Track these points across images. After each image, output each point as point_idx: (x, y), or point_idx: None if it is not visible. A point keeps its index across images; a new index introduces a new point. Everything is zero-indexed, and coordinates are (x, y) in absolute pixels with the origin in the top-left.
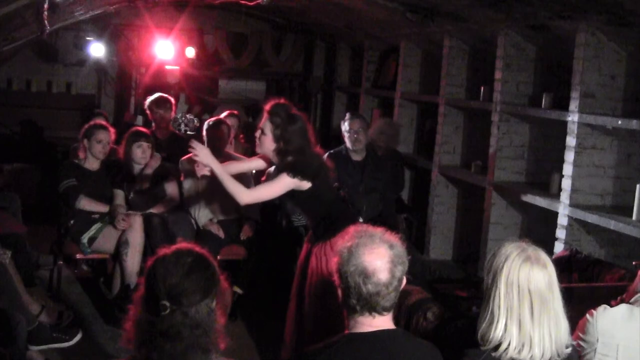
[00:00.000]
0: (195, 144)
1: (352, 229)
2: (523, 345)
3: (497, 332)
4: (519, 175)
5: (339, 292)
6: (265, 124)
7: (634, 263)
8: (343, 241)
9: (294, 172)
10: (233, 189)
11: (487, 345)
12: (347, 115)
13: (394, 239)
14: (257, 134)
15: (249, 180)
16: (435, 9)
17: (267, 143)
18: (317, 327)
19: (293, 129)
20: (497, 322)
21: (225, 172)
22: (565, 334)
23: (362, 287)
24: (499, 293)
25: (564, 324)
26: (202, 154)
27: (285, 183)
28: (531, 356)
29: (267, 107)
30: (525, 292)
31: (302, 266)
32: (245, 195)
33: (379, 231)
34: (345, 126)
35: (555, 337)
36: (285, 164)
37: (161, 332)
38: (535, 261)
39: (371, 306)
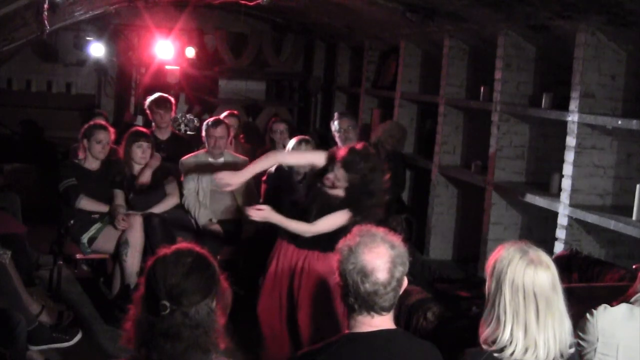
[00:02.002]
0: (254, 210)
1: (355, 228)
2: (527, 349)
3: (503, 337)
4: (519, 175)
5: (339, 290)
6: (341, 174)
7: (633, 266)
8: (345, 240)
9: (356, 211)
10: (297, 228)
11: (491, 348)
12: (336, 115)
13: (396, 239)
14: (332, 177)
15: (250, 181)
16: (435, 9)
17: (342, 186)
18: (317, 332)
19: (371, 178)
20: (504, 327)
21: (287, 220)
22: (569, 334)
23: (360, 286)
24: (504, 298)
25: (567, 323)
26: (267, 214)
27: (346, 218)
28: (535, 357)
29: (343, 153)
30: (531, 295)
31: (290, 268)
32: (309, 231)
33: (381, 231)
34: (335, 126)
35: (560, 338)
36: (352, 202)
37: (161, 332)
38: (538, 263)
39: (369, 305)
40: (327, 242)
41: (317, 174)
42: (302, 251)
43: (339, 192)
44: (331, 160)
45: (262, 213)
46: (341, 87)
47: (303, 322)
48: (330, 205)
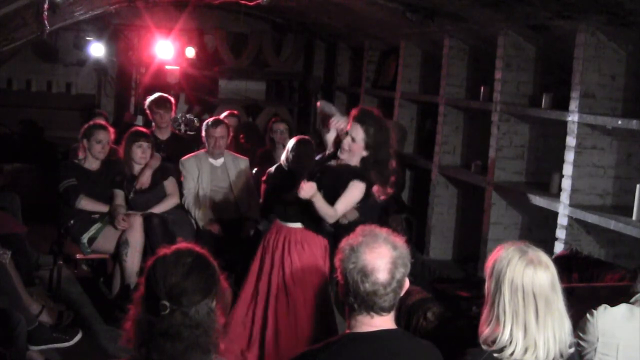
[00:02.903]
0: (307, 185)
1: (359, 228)
2: (527, 349)
3: (503, 337)
4: (519, 175)
5: (340, 289)
6: (357, 130)
7: (633, 268)
8: (348, 239)
9: (366, 180)
10: (324, 210)
11: (491, 348)
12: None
13: (398, 240)
14: (347, 141)
15: (249, 181)
16: (435, 9)
17: (357, 150)
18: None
19: (383, 139)
20: (503, 327)
21: (323, 201)
22: (569, 334)
23: (360, 286)
24: (504, 298)
25: (567, 323)
26: (314, 192)
27: (360, 189)
28: (535, 357)
29: (355, 113)
30: (530, 295)
31: (270, 263)
32: (333, 216)
33: (384, 231)
34: None
35: (559, 338)
36: (359, 172)
37: (161, 332)
38: (537, 263)
39: (368, 305)
40: (310, 217)
41: (327, 158)
42: (285, 229)
43: (354, 162)
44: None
45: (312, 190)
46: (341, 87)
47: (301, 318)
48: (340, 177)
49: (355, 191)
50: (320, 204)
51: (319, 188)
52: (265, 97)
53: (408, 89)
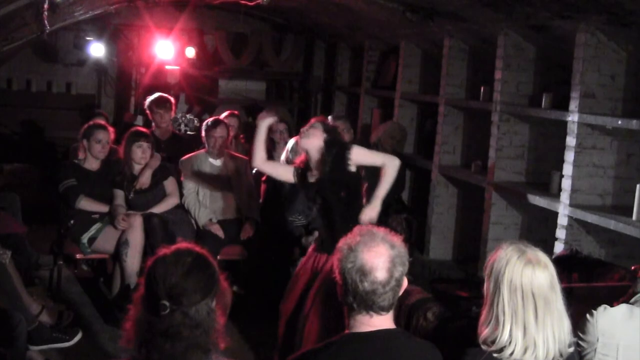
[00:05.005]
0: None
1: (356, 228)
2: (526, 348)
3: (502, 337)
4: (519, 175)
5: (338, 289)
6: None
7: (632, 268)
8: (346, 239)
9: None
10: (389, 179)
11: (491, 348)
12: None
13: (396, 239)
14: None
15: (249, 181)
16: (435, 9)
17: (317, 135)
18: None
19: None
20: (503, 327)
21: (380, 192)
22: (568, 333)
23: (359, 285)
24: (503, 298)
25: (566, 323)
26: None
27: (358, 148)
28: (535, 356)
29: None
30: (529, 295)
31: (311, 270)
32: (387, 160)
33: (382, 231)
34: None
35: (559, 338)
36: (332, 141)
37: (161, 332)
38: (536, 263)
39: (367, 305)
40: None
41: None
42: (324, 255)
43: (317, 144)
44: None
45: (373, 212)
46: (341, 87)
47: (311, 320)
48: (334, 169)
49: (362, 151)
50: (382, 188)
51: (332, 197)
52: (265, 97)
53: (408, 89)
